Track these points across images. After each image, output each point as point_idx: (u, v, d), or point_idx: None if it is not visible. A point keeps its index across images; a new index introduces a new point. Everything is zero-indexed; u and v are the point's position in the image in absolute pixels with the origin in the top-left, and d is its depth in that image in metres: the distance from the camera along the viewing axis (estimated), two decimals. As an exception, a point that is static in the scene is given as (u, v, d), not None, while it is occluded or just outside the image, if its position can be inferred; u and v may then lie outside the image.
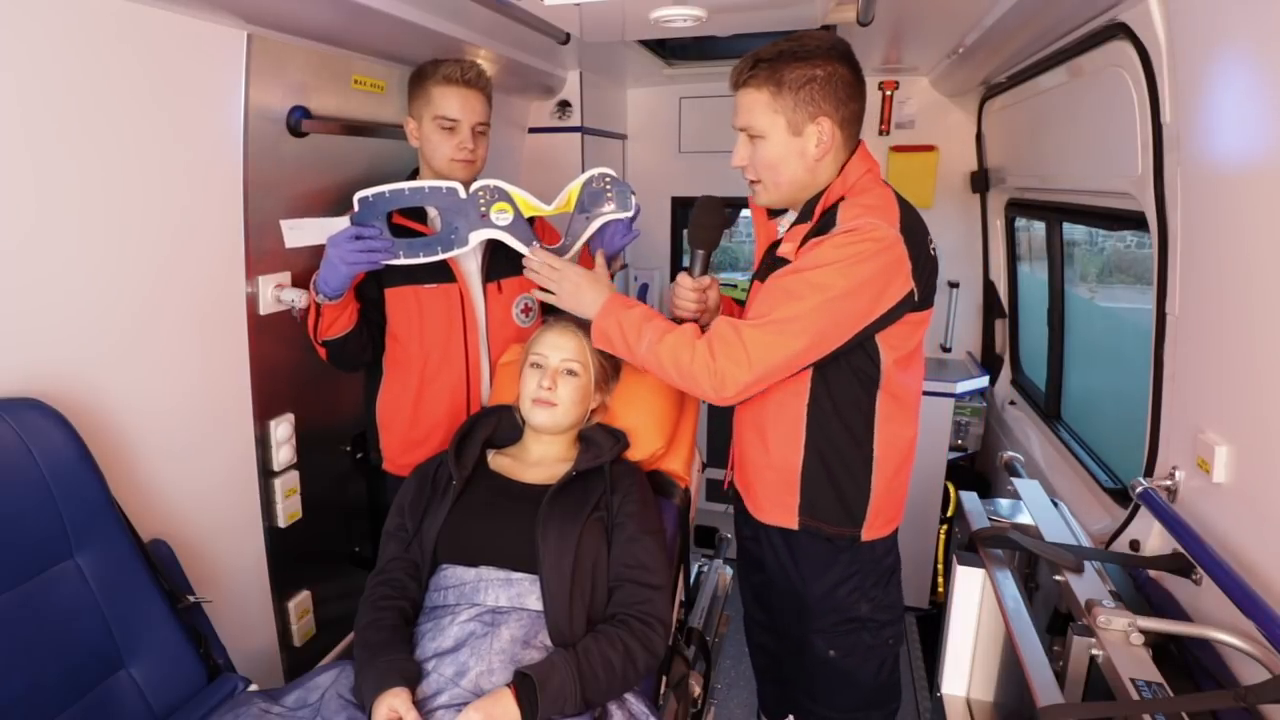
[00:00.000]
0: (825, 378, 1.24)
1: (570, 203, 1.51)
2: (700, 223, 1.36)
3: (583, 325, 1.44)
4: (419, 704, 1.02)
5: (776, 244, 1.30)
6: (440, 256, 1.48)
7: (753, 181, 1.28)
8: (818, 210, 1.23)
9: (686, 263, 1.41)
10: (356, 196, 1.42)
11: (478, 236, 1.48)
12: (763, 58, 1.19)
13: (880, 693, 1.38)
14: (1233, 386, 1.12)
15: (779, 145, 1.22)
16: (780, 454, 1.30)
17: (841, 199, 1.22)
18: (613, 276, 1.71)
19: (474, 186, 1.47)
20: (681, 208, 3.15)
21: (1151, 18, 1.27)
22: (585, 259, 1.66)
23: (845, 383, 1.24)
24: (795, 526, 1.31)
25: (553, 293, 1.34)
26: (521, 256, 1.71)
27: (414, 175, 1.66)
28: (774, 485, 1.33)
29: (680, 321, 1.28)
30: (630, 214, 1.51)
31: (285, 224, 1.39)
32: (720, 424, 1.61)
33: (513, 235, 1.49)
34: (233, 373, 1.45)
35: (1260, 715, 0.92)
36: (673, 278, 3.15)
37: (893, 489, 1.31)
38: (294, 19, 1.39)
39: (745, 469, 1.40)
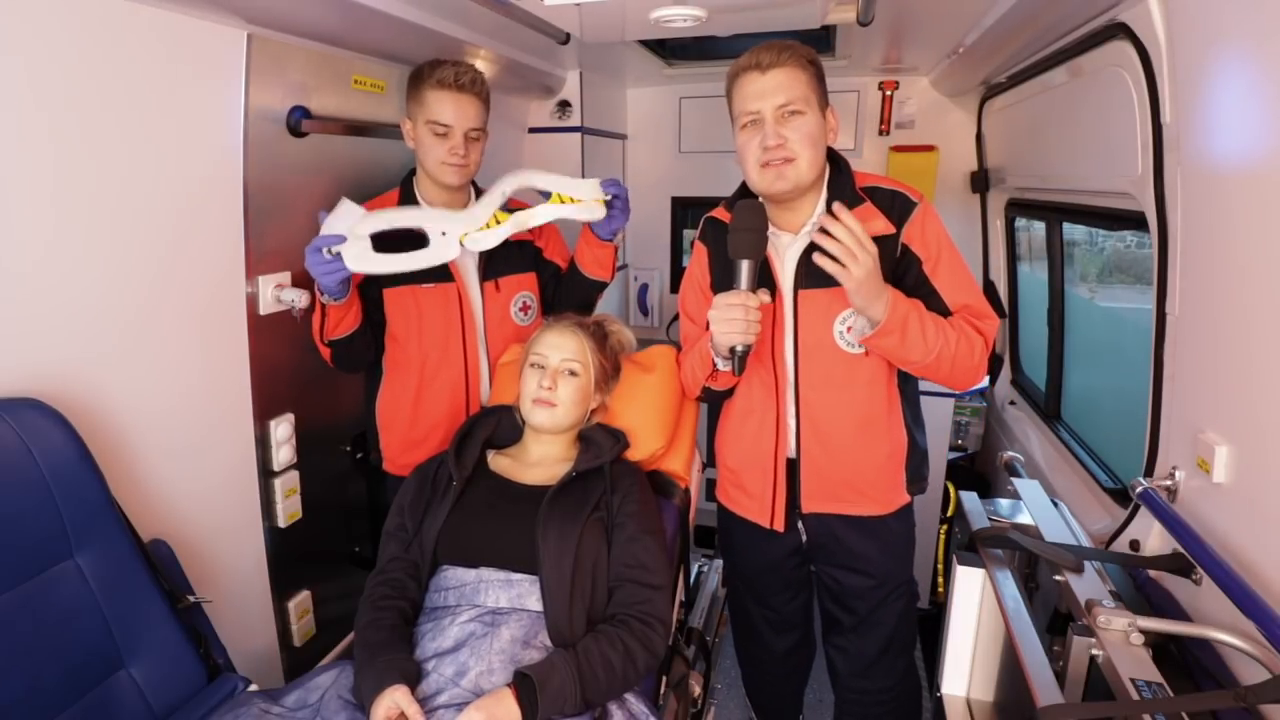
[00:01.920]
0: None
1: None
2: (744, 228, 1.22)
3: (582, 325, 1.44)
4: (419, 704, 1.02)
5: (816, 245, 1.29)
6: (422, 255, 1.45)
7: (785, 161, 1.24)
8: (860, 191, 1.30)
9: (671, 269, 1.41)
10: (344, 200, 1.40)
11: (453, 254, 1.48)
12: (789, 44, 1.24)
13: (912, 644, 1.53)
14: (1233, 386, 1.12)
15: (817, 122, 1.26)
16: (891, 440, 1.39)
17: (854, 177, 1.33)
18: (615, 263, 1.73)
19: (467, 245, 1.47)
20: (681, 208, 3.15)
21: (1151, 18, 1.27)
22: (587, 243, 1.67)
23: None
24: (908, 500, 1.43)
25: (845, 268, 1.15)
26: (524, 255, 1.70)
27: (411, 175, 1.66)
28: (887, 472, 1.40)
29: (733, 350, 1.22)
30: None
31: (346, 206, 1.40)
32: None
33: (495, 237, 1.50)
34: (233, 373, 1.45)
35: (1260, 715, 0.92)
36: (673, 278, 3.20)
37: None
38: (294, 19, 1.39)
39: (849, 477, 1.38)
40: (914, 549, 1.50)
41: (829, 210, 1.26)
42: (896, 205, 1.29)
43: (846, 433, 1.36)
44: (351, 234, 1.38)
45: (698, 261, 1.48)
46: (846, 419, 1.36)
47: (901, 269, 1.29)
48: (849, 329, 1.31)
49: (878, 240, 1.26)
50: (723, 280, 1.38)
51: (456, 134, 1.53)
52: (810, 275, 1.30)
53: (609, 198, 1.55)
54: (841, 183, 1.32)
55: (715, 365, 1.32)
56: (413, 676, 1.05)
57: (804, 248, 1.31)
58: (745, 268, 1.22)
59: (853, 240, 1.15)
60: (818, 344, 1.33)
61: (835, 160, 1.36)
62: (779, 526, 1.44)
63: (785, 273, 1.34)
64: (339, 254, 1.37)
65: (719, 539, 1.67)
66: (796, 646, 1.69)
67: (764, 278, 1.33)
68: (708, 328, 1.28)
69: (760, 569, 1.57)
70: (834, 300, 1.30)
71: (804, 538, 1.48)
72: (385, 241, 1.44)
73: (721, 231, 1.39)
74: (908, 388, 1.42)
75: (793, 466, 1.42)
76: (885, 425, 1.38)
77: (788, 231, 1.34)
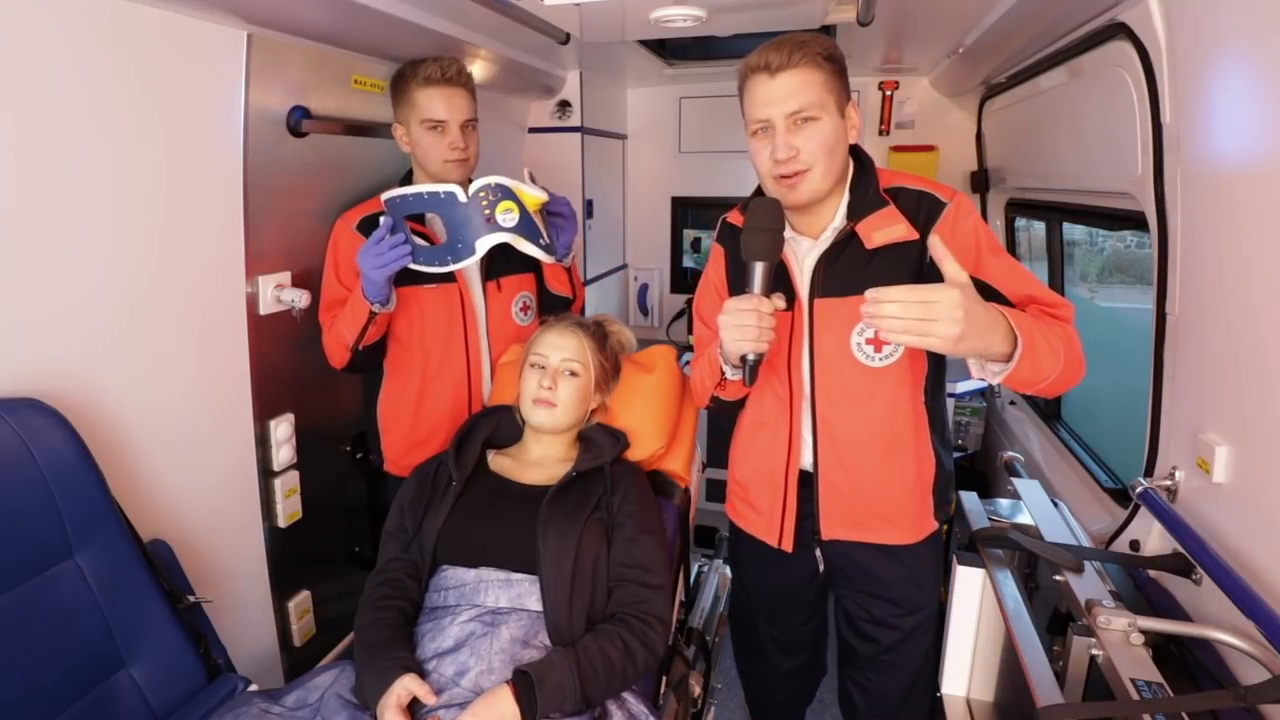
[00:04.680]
0: (933, 361, 1.28)
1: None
2: (759, 228, 1.12)
3: (583, 325, 1.44)
4: (419, 704, 1.03)
5: (835, 251, 1.21)
6: (451, 267, 1.43)
7: (798, 173, 1.15)
8: (884, 193, 1.20)
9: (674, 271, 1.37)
10: (383, 198, 1.40)
11: (485, 245, 1.40)
12: (802, 41, 1.13)
13: (935, 684, 1.43)
14: (1233, 386, 1.12)
15: (833, 126, 1.15)
16: (919, 462, 1.29)
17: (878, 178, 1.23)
18: (572, 282, 1.70)
19: (473, 188, 1.40)
20: (681, 208, 3.15)
21: (1151, 18, 1.26)
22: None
23: (936, 370, 1.29)
24: (936, 527, 1.33)
25: (948, 335, 0.91)
26: (524, 255, 1.69)
27: (408, 177, 1.65)
28: (916, 496, 1.30)
29: (743, 358, 1.12)
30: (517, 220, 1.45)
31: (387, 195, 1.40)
32: (720, 424, 1.60)
33: (521, 236, 1.43)
34: (233, 373, 1.45)
35: (1260, 715, 0.92)
36: (673, 278, 3.20)
37: None
38: (294, 19, 1.39)
39: (873, 503, 1.29)
40: (941, 577, 1.37)
41: (849, 222, 1.19)
42: (924, 208, 1.19)
43: (871, 453, 1.27)
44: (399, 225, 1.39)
45: (715, 264, 1.39)
46: (870, 438, 1.26)
47: (935, 274, 1.14)
48: (868, 340, 1.22)
49: (900, 246, 1.17)
50: (737, 285, 1.29)
51: (452, 127, 1.53)
52: (828, 283, 1.22)
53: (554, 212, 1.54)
54: (865, 184, 1.22)
55: (724, 374, 1.23)
56: (416, 672, 1.05)
57: (822, 253, 1.22)
58: (759, 270, 1.11)
59: (911, 303, 0.91)
60: (835, 355, 1.24)
61: (859, 158, 1.25)
62: (787, 547, 1.35)
63: (803, 279, 1.25)
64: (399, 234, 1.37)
65: (729, 554, 1.61)
66: (804, 667, 1.61)
67: (782, 283, 1.24)
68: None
69: (774, 589, 1.48)
70: (853, 310, 1.19)
71: (821, 566, 1.39)
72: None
73: (736, 235, 1.29)
74: (935, 403, 1.30)
75: (806, 487, 1.33)
76: (913, 446, 1.28)
77: (807, 236, 1.25)
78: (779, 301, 1.13)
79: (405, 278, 1.53)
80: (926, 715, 1.44)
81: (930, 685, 1.41)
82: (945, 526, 2.29)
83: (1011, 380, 1.02)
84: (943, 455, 1.32)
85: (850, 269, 1.20)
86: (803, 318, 1.26)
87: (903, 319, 0.91)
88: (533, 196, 1.44)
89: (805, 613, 1.50)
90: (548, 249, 1.48)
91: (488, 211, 1.40)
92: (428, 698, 1.02)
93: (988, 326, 0.95)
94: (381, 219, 1.40)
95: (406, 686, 1.02)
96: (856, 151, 1.26)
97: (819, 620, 1.54)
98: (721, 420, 1.56)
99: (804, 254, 1.26)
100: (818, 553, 1.38)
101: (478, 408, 1.63)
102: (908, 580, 1.33)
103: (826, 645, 1.60)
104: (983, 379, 1.05)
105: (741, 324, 1.09)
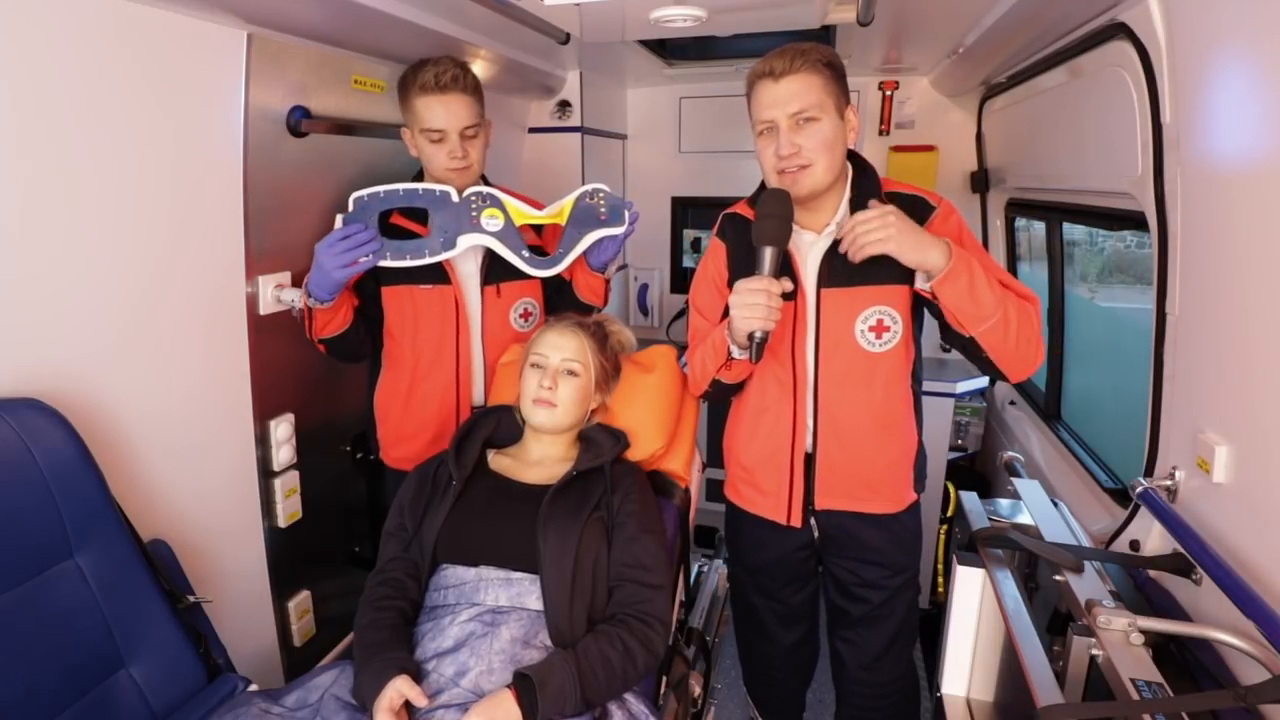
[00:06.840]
0: (917, 350, 1.40)
1: (563, 215, 1.53)
2: (771, 214, 1.22)
3: (583, 325, 1.44)
4: (418, 705, 1.03)
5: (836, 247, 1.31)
6: (428, 260, 1.48)
7: (800, 168, 1.26)
8: (884, 197, 1.30)
9: (686, 260, 1.40)
10: (352, 197, 1.42)
11: (466, 242, 1.49)
12: (804, 49, 1.24)
13: (915, 637, 1.56)
14: (1233, 386, 1.12)
15: (833, 126, 1.26)
16: (905, 439, 1.41)
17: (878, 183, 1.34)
18: (609, 280, 1.70)
19: (467, 192, 1.48)
20: (681, 208, 3.15)
21: (1151, 18, 1.27)
22: (580, 270, 1.65)
23: (918, 353, 1.40)
24: (916, 498, 1.45)
25: (880, 240, 1.16)
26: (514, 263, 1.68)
27: (418, 177, 1.65)
28: (900, 470, 1.42)
29: (751, 336, 1.22)
30: (622, 230, 1.53)
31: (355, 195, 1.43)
32: (719, 424, 1.61)
33: (501, 242, 1.51)
34: (233, 372, 1.45)
35: (1260, 715, 0.92)
36: (673, 278, 3.20)
37: None
38: (294, 19, 1.39)
39: (864, 475, 1.40)
40: (921, 542, 1.51)
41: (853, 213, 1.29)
42: (916, 210, 1.29)
43: (866, 431, 1.37)
44: (370, 225, 1.41)
45: (714, 258, 1.47)
46: (866, 417, 1.37)
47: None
48: (870, 327, 1.32)
49: None
50: (743, 273, 1.35)
51: (451, 136, 1.51)
52: (833, 273, 1.31)
53: (625, 228, 1.54)
54: (866, 186, 1.33)
55: (731, 354, 1.30)
56: (412, 673, 1.05)
57: (827, 247, 1.32)
58: (769, 254, 1.21)
59: (866, 222, 1.17)
60: (839, 341, 1.34)
61: (861, 164, 1.36)
62: (795, 522, 1.44)
63: (808, 271, 1.34)
64: (368, 231, 1.40)
65: (725, 535, 1.67)
66: (802, 641, 1.68)
67: (786, 274, 1.32)
68: (723, 318, 1.29)
69: (769, 563, 1.56)
70: (857, 298, 1.31)
71: (816, 534, 1.49)
72: (388, 234, 1.46)
73: (741, 227, 1.40)
74: (918, 388, 1.43)
75: (808, 464, 1.42)
76: (903, 425, 1.40)
77: (810, 230, 1.35)
78: (786, 284, 1.22)
79: (401, 276, 1.53)
80: (905, 664, 1.53)
81: (910, 637, 1.53)
82: (943, 526, 2.30)
83: (948, 293, 1.17)
84: (920, 435, 1.45)
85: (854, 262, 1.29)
86: (806, 307, 1.35)
87: (868, 228, 1.17)
88: (520, 211, 1.52)
89: (800, 582, 1.59)
90: (531, 262, 1.53)
91: (474, 214, 1.49)
92: (419, 700, 1.01)
93: (924, 243, 1.17)
94: (341, 217, 1.42)
95: (399, 689, 1.01)
96: (858, 159, 1.36)
97: (812, 588, 1.63)
98: (720, 412, 1.58)
99: (807, 247, 1.35)
100: (812, 522, 1.47)
101: (466, 412, 1.62)
102: (894, 545, 1.44)
103: (819, 619, 1.68)
104: (925, 290, 1.23)
105: (752, 303, 1.20)
